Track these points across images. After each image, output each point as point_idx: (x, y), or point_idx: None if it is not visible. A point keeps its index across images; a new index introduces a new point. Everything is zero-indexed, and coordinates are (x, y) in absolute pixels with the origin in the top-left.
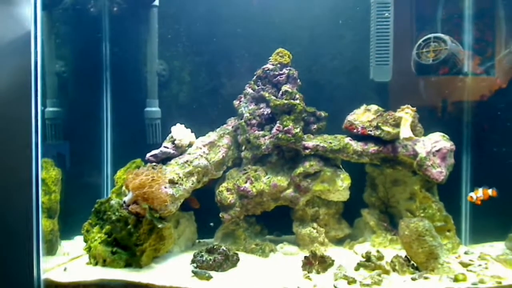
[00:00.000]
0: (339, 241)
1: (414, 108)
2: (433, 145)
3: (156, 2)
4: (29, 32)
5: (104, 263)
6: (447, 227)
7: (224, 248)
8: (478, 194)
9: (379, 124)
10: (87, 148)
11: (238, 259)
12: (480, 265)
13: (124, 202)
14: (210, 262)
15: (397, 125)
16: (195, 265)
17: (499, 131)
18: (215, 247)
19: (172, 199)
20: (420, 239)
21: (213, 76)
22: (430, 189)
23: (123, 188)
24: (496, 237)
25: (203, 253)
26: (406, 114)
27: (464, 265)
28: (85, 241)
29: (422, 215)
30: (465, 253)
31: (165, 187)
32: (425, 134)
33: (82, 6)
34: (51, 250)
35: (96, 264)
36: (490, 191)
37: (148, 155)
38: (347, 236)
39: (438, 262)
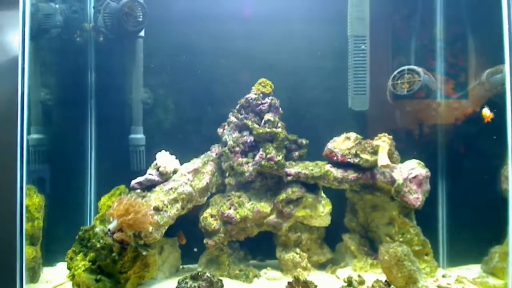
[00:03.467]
0: (321, 266)
1: (391, 136)
2: (410, 172)
3: (142, 33)
4: (16, 60)
5: None
6: (425, 251)
7: (209, 275)
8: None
9: (358, 152)
10: (70, 174)
11: (222, 286)
12: None
13: (109, 229)
14: None
15: (375, 152)
16: None
17: (473, 155)
18: (199, 273)
19: (157, 226)
20: (399, 264)
21: (197, 104)
22: (408, 215)
23: (107, 215)
24: (473, 260)
25: (187, 280)
26: (383, 142)
27: None
28: (69, 268)
29: (400, 240)
30: (443, 276)
31: (150, 214)
32: (402, 160)
33: (68, 36)
34: (33, 277)
35: None
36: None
37: (133, 182)
38: (329, 261)
39: (417, 286)
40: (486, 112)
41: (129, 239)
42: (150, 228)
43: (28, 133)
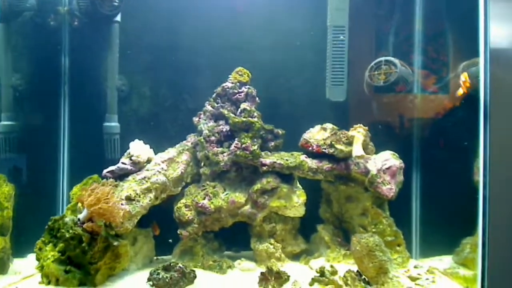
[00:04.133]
0: (295, 256)
1: (366, 127)
2: (383, 163)
3: (118, 18)
4: None
5: (57, 282)
6: (397, 242)
7: (181, 266)
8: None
9: (333, 142)
10: (42, 163)
11: (195, 276)
12: (427, 278)
13: (79, 219)
14: (167, 280)
15: (349, 143)
16: (151, 283)
17: (448, 147)
18: (172, 264)
19: (129, 215)
20: (371, 254)
21: (173, 92)
22: (381, 205)
23: (78, 204)
24: (445, 251)
25: (159, 271)
26: (358, 133)
27: (413, 279)
28: (38, 259)
29: (373, 230)
30: (415, 267)
31: (122, 204)
32: (377, 152)
33: (41, 19)
34: (2, 269)
35: (48, 283)
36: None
37: (105, 171)
38: (303, 252)
39: (387, 276)
40: (463, 80)
41: (99, 229)
42: (121, 218)
43: None
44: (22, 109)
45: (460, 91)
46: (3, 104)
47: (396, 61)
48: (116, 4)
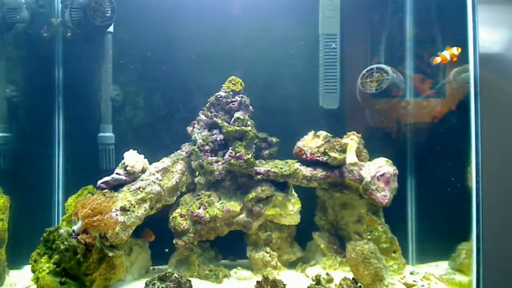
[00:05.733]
0: (292, 265)
1: (359, 135)
2: (377, 170)
3: (111, 28)
4: None
5: None
6: (392, 248)
7: (177, 276)
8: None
9: (327, 150)
10: (37, 174)
11: (191, 286)
12: (423, 285)
13: (73, 231)
14: None
15: (343, 151)
16: None
17: (441, 153)
18: (167, 274)
19: (124, 226)
20: (366, 261)
21: (167, 102)
22: (376, 212)
23: (73, 216)
24: (442, 257)
25: (155, 281)
26: (352, 141)
27: (408, 286)
28: (33, 271)
29: (368, 237)
30: (411, 273)
31: (116, 215)
32: (372, 158)
33: (35, 31)
34: None
35: None
36: (455, 50)
37: (99, 182)
38: (299, 259)
39: (383, 283)
40: (447, 54)
41: (94, 241)
42: (116, 229)
43: None
44: (17, 120)
45: (437, 59)
46: None
47: (388, 68)
48: (108, 15)
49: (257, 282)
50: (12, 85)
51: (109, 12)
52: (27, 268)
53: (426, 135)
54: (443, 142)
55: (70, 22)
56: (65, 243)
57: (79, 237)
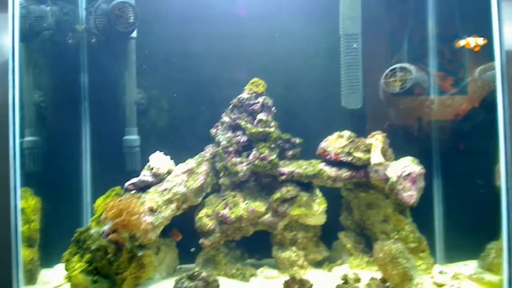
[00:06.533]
0: (318, 264)
1: (384, 134)
2: (403, 169)
3: (134, 34)
4: (7, 62)
5: None
6: (420, 248)
7: (205, 275)
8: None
9: (351, 150)
10: (66, 176)
11: (218, 285)
12: (453, 285)
13: (104, 231)
14: None
15: (368, 151)
16: None
17: (468, 152)
18: (195, 273)
19: (152, 227)
20: (394, 261)
21: (191, 104)
22: (403, 212)
23: (102, 217)
24: (470, 256)
25: (184, 280)
26: (376, 141)
27: (438, 285)
28: (67, 270)
29: (396, 237)
30: (440, 272)
31: (144, 215)
32: (397, 158)
33: (60, 38)
34: (31, 279)
35: None
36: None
37: (127, 183)
38: (325, 259)
39: (412, 283)
40: (472, 41)
41: (123, 241)
42: (144, 229)
43: (23, 135)
44: (45, 124)
45: (461, 43)
46: (27, 120)
47: (411, 67)
48: (131, 21)
49: (285, 281)
50: (40, 91)
51: (132, 18)
52: (59, 266)
53: (452, 134)
54: (469, 140)
55: (95, 28)
56: (96, 243)
57: (109, 237)
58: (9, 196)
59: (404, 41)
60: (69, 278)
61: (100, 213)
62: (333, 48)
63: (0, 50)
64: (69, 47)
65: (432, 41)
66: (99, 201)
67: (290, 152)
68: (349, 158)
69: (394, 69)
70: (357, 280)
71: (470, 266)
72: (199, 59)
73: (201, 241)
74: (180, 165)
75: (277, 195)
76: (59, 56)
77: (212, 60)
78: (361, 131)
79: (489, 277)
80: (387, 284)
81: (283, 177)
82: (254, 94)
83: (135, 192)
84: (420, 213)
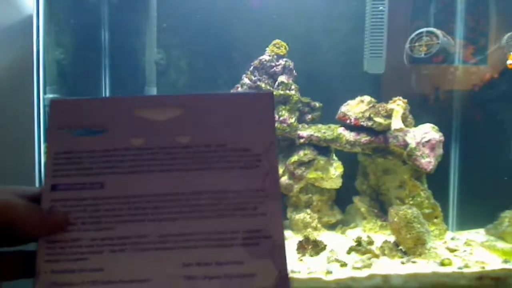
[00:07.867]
0: (331, 226)
1: (405, 100)
2: (423, 136)
3: None
4: (31, 18)
5: None
6: (434, 214)
7: None
8: None
9: (371, 115)
10: None
11: None
12: (465, 250)
13: None
14: None
15: (388, 116)
16: None
17: (488, 121)
18: None
19: None
20: (409, 225)
21: (211, 65)
22: (419, 178)
23: None
24: (482, 224)
25: None
26: (398, 106)
27: (451, 250)
28: None
29: (411, 202)
30: (452, 239)
31: None
32: (417, 124)
33: None
34: None
35: None
36: None
37: None
38: (339, 222)
39: (425, 247)
40: None
41: None
42: None
43: (44, 92)
44: (65, 82)
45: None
46: (48, 78)
47: (438, 32)
48: None
49: (299, 241)
50: (61, 48)
51: None
52: None
53: (474, 103)
54: (491, 110)
55: None
56: None
57: None
58: (33, 152)
59: (431, 5)
60: None
61: None
62: (357, 11)
63: (24, 5)
64: (91, 3)
65: (459, 7)
66: None
67: (309, 116)
68: (369, 123)
69: (421, 33)
70: (370, 242)
71: (481, 234)
72: (220, 20)
73: None
74: None
75: (294, 157)
76: (80, 14)
77: (233, 21)
78: (383, 96)
79: (501, 244)
80: (399, 247)
81: (302, 140)
82: (275, 56)
83: None
84: (436, 181)
